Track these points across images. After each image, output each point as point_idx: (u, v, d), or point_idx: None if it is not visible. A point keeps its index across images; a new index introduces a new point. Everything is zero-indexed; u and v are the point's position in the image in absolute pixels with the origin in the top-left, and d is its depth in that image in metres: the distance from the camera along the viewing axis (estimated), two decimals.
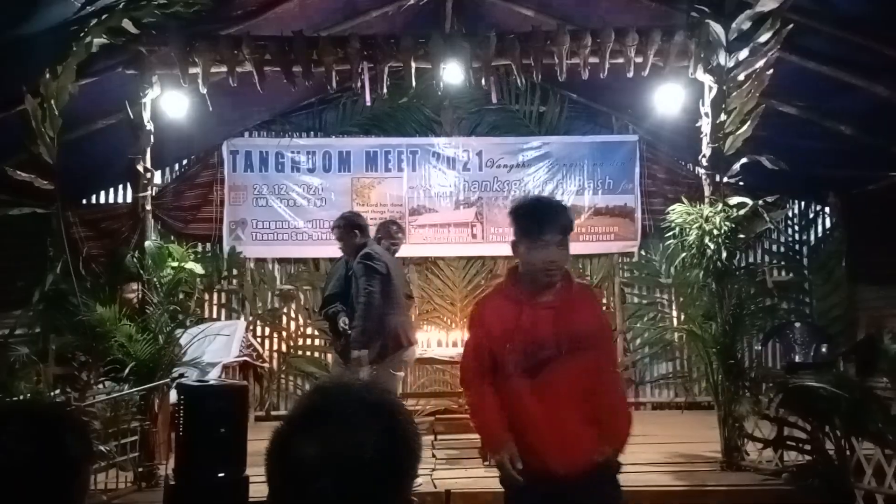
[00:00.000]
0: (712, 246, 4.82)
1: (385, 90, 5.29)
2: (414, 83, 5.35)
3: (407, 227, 7.28)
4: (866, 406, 4.18)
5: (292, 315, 7.35)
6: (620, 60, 5.28)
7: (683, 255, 5.04)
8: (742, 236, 4.98)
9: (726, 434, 4.76)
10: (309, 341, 7.24)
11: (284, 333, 7.31)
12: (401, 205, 7.30)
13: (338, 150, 7.33)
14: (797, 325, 6.92)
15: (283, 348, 7.27)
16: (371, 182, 7.32)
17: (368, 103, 5.48)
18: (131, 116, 5.08)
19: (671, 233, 5.19)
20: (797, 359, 6.16)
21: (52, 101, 4.58)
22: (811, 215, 7.74)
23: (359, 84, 5.28)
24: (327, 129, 7.50)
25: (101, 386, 4.83)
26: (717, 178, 5.08)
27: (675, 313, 7.45)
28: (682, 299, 6.10)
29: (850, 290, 7.26)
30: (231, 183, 7.22)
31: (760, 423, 4.85)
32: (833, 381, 4.47)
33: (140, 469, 4.57)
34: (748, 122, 4.88)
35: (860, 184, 6.80)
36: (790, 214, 7.75)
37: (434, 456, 5.26)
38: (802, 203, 7.71)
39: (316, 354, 7.16)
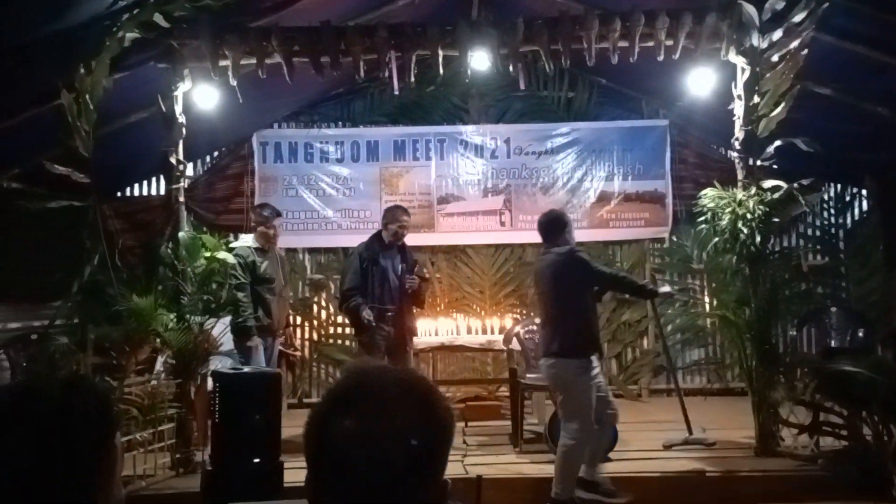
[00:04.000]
0: (746, 230, 4.75)
1: (413, 79, 5.29)
2: (441, 71, 5.33)
3: (435, 215, 7.32)
4: None
5: (322, 304, 7.42)
6: (650, 44, 5.21)
7: (716, 239, 4.98)
8: (776, 220, 4.90)
9: (761, 420, 4.71)
10: (339, 330, 7.29)
11: (315, 322, 7.39)
12: (429, 193, 7.31)
13: (366, 139, 7.35)
14: (833, 309, 6.78)
15: (315, 337, 7.35)
16: (399, 171, 7.33)
17: (396, 92, 5.48)
18: (163, 109, 5.15)
19: (703, 218, 5.12)
20: (833, 344, 6.04)
21: (87, 96, 4.67)
22: (847, 198, 7.58)
23: (386, 73, 5.28)
24: (355, 118, 7.52)
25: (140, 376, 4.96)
26: (751, 162, 5.00)
27: (707, 299, 7.36)
28: (714, 285, 6.01)
29: (888, 275, 7.10)
30: (261, 174, 7.29)
31: (795, 409, 4.79)
32: (870, 367, 4.41)
33: (178, 455, 4.67)
34: (782, 104, 4.78)
35: None
36: (826, 198, 7.59)
37: (465, 443, 5.29)
38: (838, 186, 7.55)
39: (346, 343, 7.21)
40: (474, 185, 7.35)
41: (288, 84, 5.49)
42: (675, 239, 7.41)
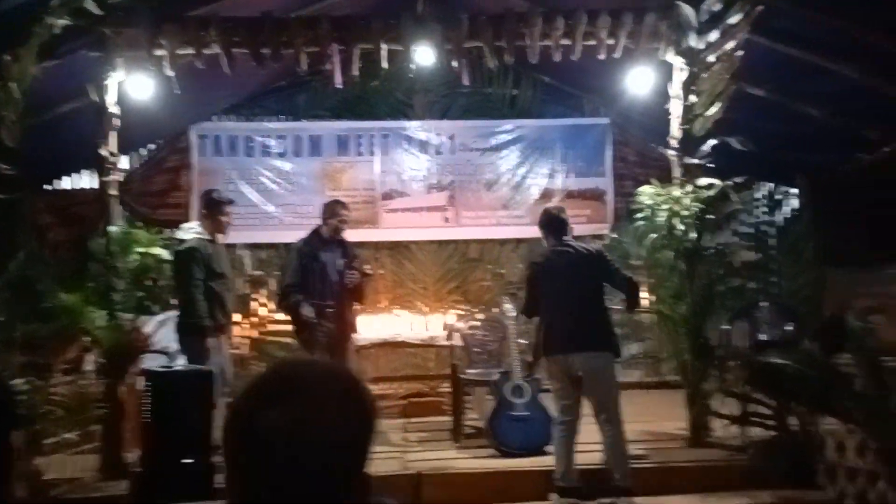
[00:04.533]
0: (682, 227, 4.86)
1: (356, 72, 5.24)
2: (385, 65, 5.29)
3: (379, 211, 7.27)
4: (830, 383, 4.27)
5: (262, 301, 7.29)
6: (593, 43, 5.28)
7: (653, 236, 5.08)
8: (711, 217, 5.03)
9: (693, 412, 4.84)
10: (279, 327, 7.17)
11: (255, 319, 7.26)
12: (373, 189, 7.26)
13: (308, 133, 7.26)
14: (765, 304, 7.00)
15: (254, 334, 7.22)
16: (343, 166, 7.26)
17: (339, 86, 5.41)
18: (95, 99, 4.97)
19: (641, 214, 5.22)
20: (764, 338, 6.24)
21: (14, 84, 4.46)
22: (779, 197, 7.84)
23: (329, 66, 5.21)
24: (298, 112, 7.42)
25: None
26: (687, 160, 5.12)
27: (645, 295, 7.50)
28: (652, 281, 6.14)
29: (818, 271, 7.38)
30: (200, 167, 7.12)
31: (727, 401, 4.92)
32: (798, 359, 4.56)
33: (106, 457, 4.51)
34: (718, 104, 4.92)
35: (828, 166, 6.89)
36: (759, 196, 7.85)
37: (406, 439, 5.27)
38: (771, 185, 7.80)
39: (287, 340, 7.09)
40: (418, 180, 7.33)
41: (228, 76, 5.36)
42: (615, 236, 7.53)
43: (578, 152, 7.49)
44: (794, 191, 7.66)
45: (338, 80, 5.27)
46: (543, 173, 7.46)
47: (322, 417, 0.96)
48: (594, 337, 4.12)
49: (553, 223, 4.39)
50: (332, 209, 5.09)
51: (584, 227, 7.50)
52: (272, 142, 7.21)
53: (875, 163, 6.25)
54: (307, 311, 4.78)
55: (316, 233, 5.12)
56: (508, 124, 7.46)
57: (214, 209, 4.87)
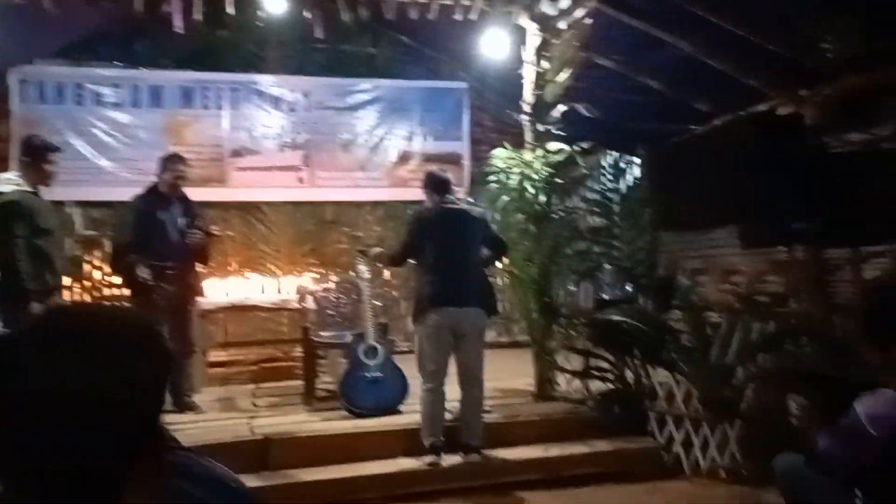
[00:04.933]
0: (532, 190, 4.99)
1: (200, 17, 4.86)
2: (232, 11, 4.95)
3: (227, 169, 6.90)
4: (661, 338, 4.59)
5: (96, 263, 6.73)
6: (449, 2, 5.23)
7: (505, 198, 5.17)
8: (560, 181, 5.20)
9: (539, 368, 5.03)
10: (116, 291, 6.67)
11: (88, 283, 6.69)
12: (220, 145, 6.86)
13: (149, 83, 6.71)
14: (607, 267, 7.40)
15: (87, 300, 6.66)
16: (187, 120, 6.79)
17: (180, 30, 4.99)
18: None
19: (493, 177, 5.29)
20: (606, 298, 6.61)
21: None
22: (624, 166, 8.26)
23: (168, 9, 4.80)
24: (138, 60, 6.82)
25: None
26: (538, 126, 5.24)
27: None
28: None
29: (654, 235, 7.89)
30: (21, 116, 6.39)
31: (571, 357, 5.17)
32: (633, 316, 4.86)
33: None
34: (568, 71, 5.04)
35: (665, 137, 7.35)
36: (605, 165, 8.23)
37: (255, 405, 5.10)
38: (616, 154, 8.20)
39: (123, 305, 6.63)
40: (271, 138, 7.02)
41: (54, 15, 4.80)
42: (471, 200, 7.61)
43: (436, 116, 7.48)
44: (637, 160, 8.10)
45: (178, 24, 4.87)
46: (401, 135, 7.39)
47: (102, 362, 0.85)
48: (480, 294, 4.21)
49: (438, 182, 4.41)
50: (167, 163, 4.74)
51: None
52: (106, 90, 6.60)
53: (706, 134, 6.72)
54: (143, 273, 4.44)
55: (154, 189, 4.75)
56: (366, 83, 7.30)
57: (37, 157, 4.29)
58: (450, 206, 4.32)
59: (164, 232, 4.62)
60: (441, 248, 4.21)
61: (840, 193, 4.64)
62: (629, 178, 8.24)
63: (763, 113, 6.09)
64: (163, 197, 4.69)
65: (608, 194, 8.24)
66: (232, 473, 1.06)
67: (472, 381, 4.18)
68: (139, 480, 0.85)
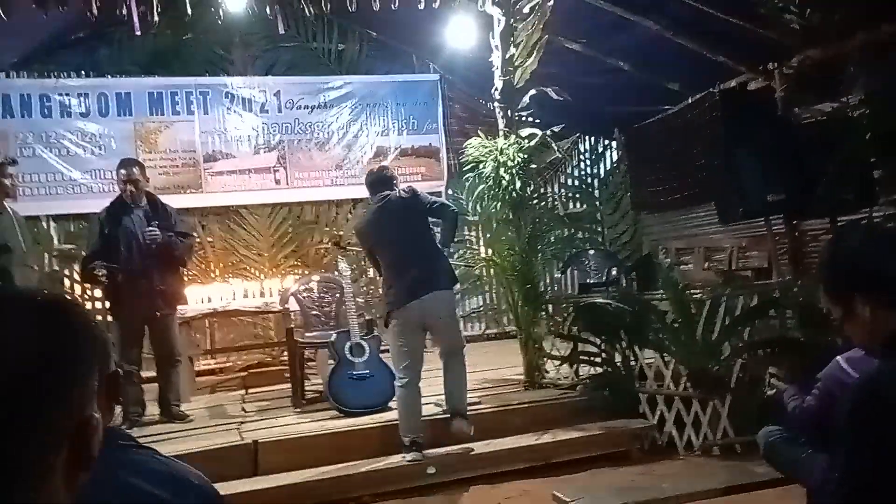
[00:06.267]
0: (507, 177, 4.96)
1: (156, 18, 4.76)
2: (189, 11, 4.86)
3: (202, 174, 6.82)
4: (646, 317, 4.58)
5: (76, 277, 6.63)
6: None
7: (481, 187, 5.14)
8: (534, 166, 5.18)
9: (527, 355, 5.02)
10: (97, 305, 6.58)
11: (69, 297, 6.59)
12: (194, 150, 6.77)
13: (115, 91, 6.59)
14: (591, 252, 7.43)
15: None
16: (157, 126, 6.69)
17: (138, 32, 4.88)
18: None
19: (469, 167, 5.26)
20: (590, 282, 6.61)
21: None
22: (600, 150, 8.28)
23: (124, 11, 4.69)
24: (102, 68, 6.71)
25: None
26: (510, 112, 5.21)
27: (482, 249, 7.68)
28: (488, 235, 6.28)
29: (635, 218, 7.92)
30: None
31: (558, 344, 5.16)
32: (617, 298, 4.85)
33: None
34: (534, 55, 5.01)
35: (639, 119, 7.35)
36: (582, 150, 8.24)
37: (244, 410, 5.05)
38: (593, 138, 8.21)
39: (106, 318, 6.54)
40: (244, 141, 6.94)
41: (9, 24, 4.70)
42: (450, 192, 7.61)
43: (410, 109, 7.44)
44: (614, 144, 8.11)
45: (136, 27, 4.77)
46: (376, 131, 7.34)
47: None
48: (439, 274, 4.13)
49: (376, 181, 4.33)
50: (118, 169, 4.70)
51: (420, 184, 7.48)
52: (73, 101, 6.49)
53: (679, 113, 6.73)
54: (100, 271, 4.37)
55: (119, 198, 4.69)
56: (337, 80, 7.24)
57: None
58: (380, 203, 4.23)
59: (129, 238, 4.54)
60: (389, 247, 4.17)
61: (813, 164, 4.65)
62: (607, 163, 8.28)
63: (734, 89, 6.11)
64: (128, 204, 4.62)
65: (587, 179, 8.29)
66: (196, 471, 1.01)
67: (452, 353, 4.20)
68: (54, 476, 0.75)
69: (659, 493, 3.02)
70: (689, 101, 6.55)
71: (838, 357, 2.05)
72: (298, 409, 4.89)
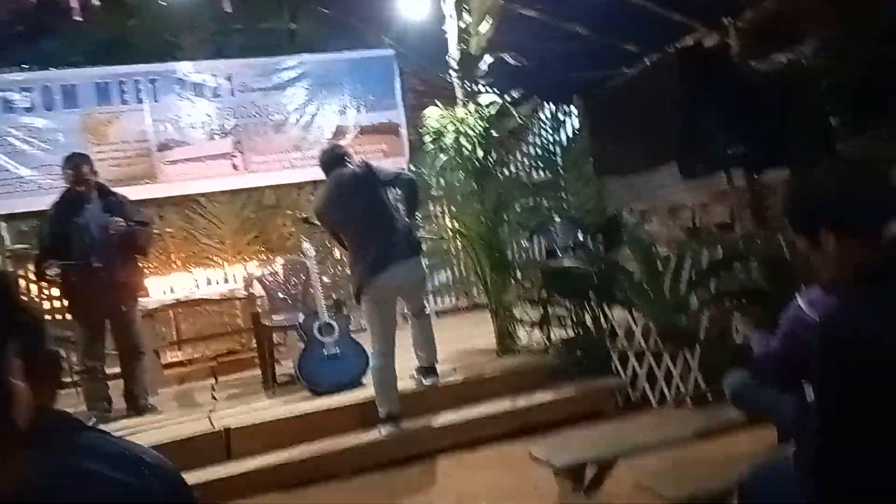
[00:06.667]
0: (469, 146, 4.91)
1: (97, 2, 4.59)
2: None
3: (156, 164, 6.65)
4: (613, 276, 4.59)
5: (32, 278, 6.42)
6: None
7: (443, 158, 5.09)
8: (496, 134, 5.13)
9: (498, 323, 5.00)
10: (55, 304, 6.40)
11: (25, 299, 6.40)
12: (146, 140, 6.59)
13: (59, 83, 6.37)
14: (557, 220, 7.41)
15: None
16: (107, 118, 6.48)
17: (79, 18, 4.72)
18: None
19: (430, 139, 5.20)
20: (557, 247, 6.59)
21: None
22: (562, 117, 8.25)
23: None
24: (46, 60, 6.47)
25: None
26: (467, 82, 5.15)
27: (449, 222, 7.64)
28: (453, 208, 6.23)
29: (599, 184, 7.92)
30: None
31: (530, 310, 5.15)
32: (584, 260, 4.85)
33: None
34: (490, 21, 4.95)
35: (599, 83, 7.32)
36: (544, 118, 8.20)
37: (214, 398, 4.97)
38: (554, 106, 8.17)
39: (65, 317, 6.38)
40: (198, 127, 6.77)
41: None
42: (413, 168, 7.52)
43: (367, 86, 7.33)
44: (575, 110, 8.08)
45: (76, 11, 4.60)
46: (334, 110, 7.22)
47: None
48: (402, 244, 4.07)
49: (329, 160, 4.28)
50: (63, 167, 4.55)
51: (382, 161, 7.40)
52: (15, 96, 6.26)
53: (637, 75, 6.72)
54: (51, 271, 4.25)
55: (67, 192, 4.53)
56: (290, 60, 7.08)
57: None
58: (336, 181, 4.17)
59: (83, 233, 4.40)
60: (351, 224, 4.10)
61: (771, 116, 4.67)
62: (569, 129, 8.26)
63: (691, 47, 6.11)
64: (80, 197, 4.47)
65: (550, 147, 8.26)
66: (156, 453, 0.97)
67: (418, 314, 4.36)
68: None
69: (634, 442, 3.03)
70: (647, 61, 6.54)
71: (797, 297, 2.06)
72: (270, 393, 4.83)
